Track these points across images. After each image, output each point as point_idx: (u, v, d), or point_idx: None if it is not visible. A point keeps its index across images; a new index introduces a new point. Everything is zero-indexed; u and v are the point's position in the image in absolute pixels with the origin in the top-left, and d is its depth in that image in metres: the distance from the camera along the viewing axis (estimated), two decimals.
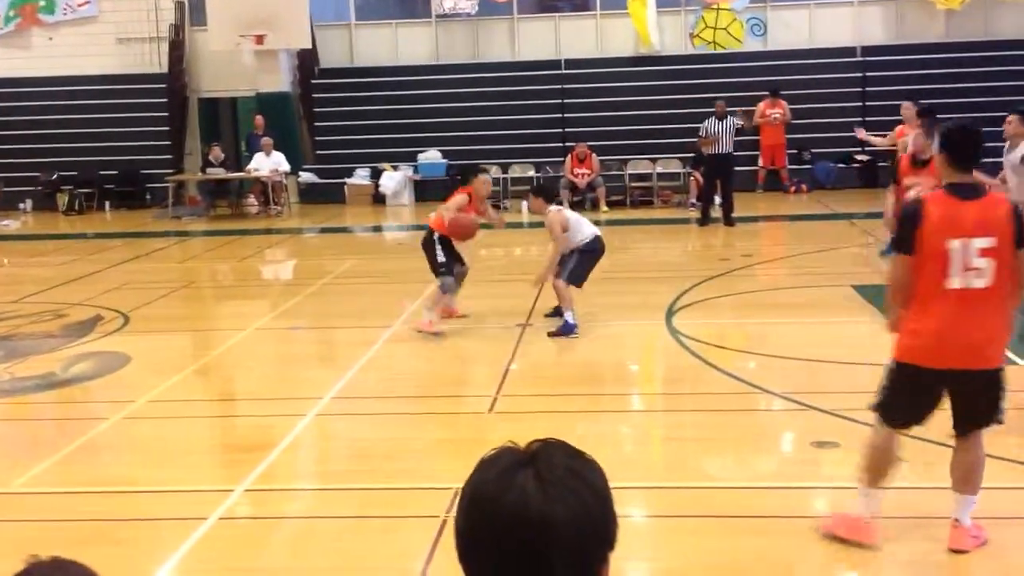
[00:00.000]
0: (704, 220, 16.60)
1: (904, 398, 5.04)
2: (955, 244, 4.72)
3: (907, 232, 4.86)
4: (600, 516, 1.71)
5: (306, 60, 22.45)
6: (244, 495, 6.21)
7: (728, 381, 8.09)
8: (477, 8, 21.81)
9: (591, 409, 7.66)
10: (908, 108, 14.01)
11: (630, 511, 5.79)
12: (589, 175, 19.33)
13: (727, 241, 15.49)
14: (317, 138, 22.49)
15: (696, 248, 15.69)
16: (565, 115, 21.38)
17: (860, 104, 20.94)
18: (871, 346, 9.03)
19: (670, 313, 10.34)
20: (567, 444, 1.76)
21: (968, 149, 4.91)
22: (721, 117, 16.45)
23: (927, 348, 4.88)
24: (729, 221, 16.35)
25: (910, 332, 4.93)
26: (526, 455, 1.72)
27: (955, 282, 4.76)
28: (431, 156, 21.43)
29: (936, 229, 4.75)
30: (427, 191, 20.90)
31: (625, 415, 7.80)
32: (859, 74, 21.13)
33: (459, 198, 9.95)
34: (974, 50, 20.77)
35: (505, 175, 20.74)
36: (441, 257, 9.95)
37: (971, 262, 4.73)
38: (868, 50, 21.29)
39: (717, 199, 16.70)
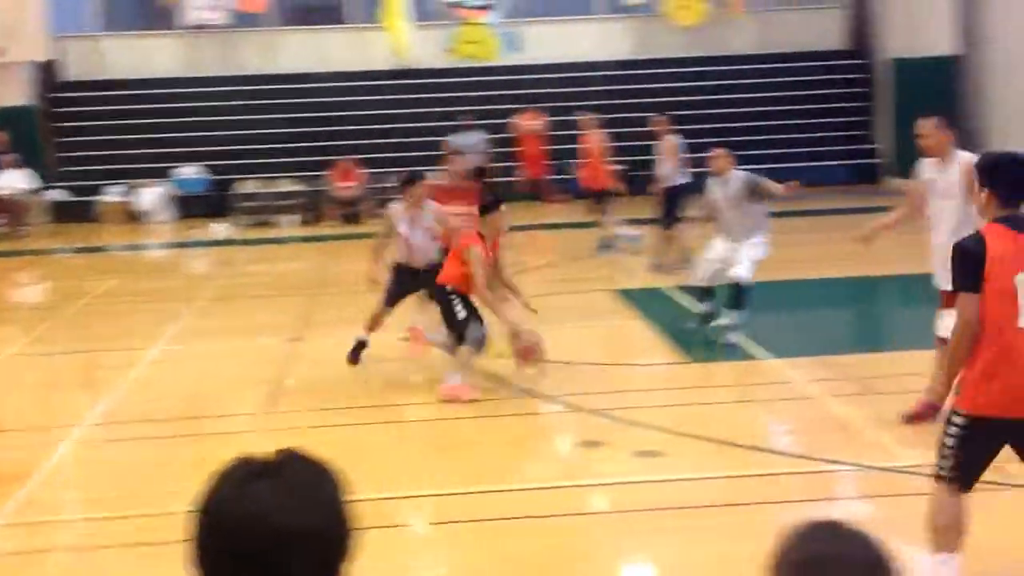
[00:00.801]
0: None
1: (979, 456, 4.48)
2: (1021, 278, 4.35)
3: (971, 268, 4.42)
4: (336, 527, 1.73)
5: (48, 72, 21.35)
6: (2, 529, 5.90)
7: (497, 386, 8.31)
8: (229, 19, 21.39)
9: (365, 421, 7.70)
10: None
11: (411, 520, 5.90)
12: (354, 188, 19.31)
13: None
14: (63, 154, 21.40)
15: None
16: (328, 128, 21.26)
17: (611, 116, 21.84)
18: (632, 347, 9.55)
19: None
20: (307, 456, 1.77)
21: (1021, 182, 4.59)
22: (468, 129, 16.82)
23: (1007, 397, 4.35)
24: None
25: (983, 380, 4.37)
26: (263, 466, 1.72)
27: None
28: (188, 171, 20.81)
29: (1000, 264, 4.36)
30: (189, 207, 20.30)
31: (399, 425, 7.88)
32: (608, 87, 22.05)
33: (477, 251, 7.99)
34: (711, 64, 22.13)
35: (269, 190, 20.42)
36: (462, 312, 8.18)
37: None
38: (615, 64, 22.25)
39: None
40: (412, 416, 8.22)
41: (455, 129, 17.49)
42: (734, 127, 21.39)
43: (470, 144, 16.74)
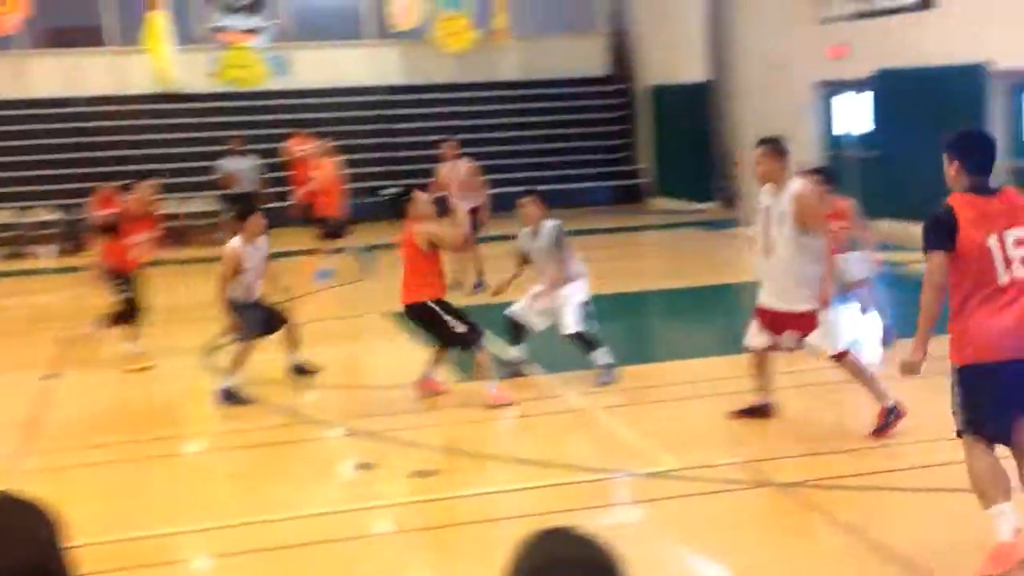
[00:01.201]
0: None
1: (986, 400, 4.80)
2: (992, 240, 4.72)
3: (944, 231, 4.76)
4: (50, 566, 1.73)
5: None
6: None
7: (273, 414, 8.20)
8: None
9: (136, 457, 7.42)
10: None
11: (195, 554, 5.75)
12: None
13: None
14: None
15: None
16: (86, 154, 20.35)
17: (384, 140, 21.96)
18: (407, 369, 9.59)
19: (213, 352, 10.26)
20: (18, 496, 1.78)
21: (986, 153, 5.01)
22: (239, 155, 16.54)
23: (995, 344, 4.72)
24: None
25: (972, 333, 4.75)
26: None
27: (1004, 278, 4.73)
28: None
29: (974, 227, 4.72)
30: None
31: (171, 459, 7.64)
32: (379, 112, 22.13)
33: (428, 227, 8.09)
34: (480, 90, 22.59)
35: (24, 219, 19.35)
36: (456, 326, 8.03)
37: (1011, 255, 4.74)
38: (385, 89, 22.36)
39: None
40: (185, 449, 8.01)
41: (224, 154, 17.11)
42: (502, 150, 21.90)
43: (240, 169, 16.44)
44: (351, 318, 11.97)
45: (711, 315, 12.13)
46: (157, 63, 20.60)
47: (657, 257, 17.61)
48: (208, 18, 21.50)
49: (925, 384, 5.82)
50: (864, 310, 9.09)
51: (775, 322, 7.05)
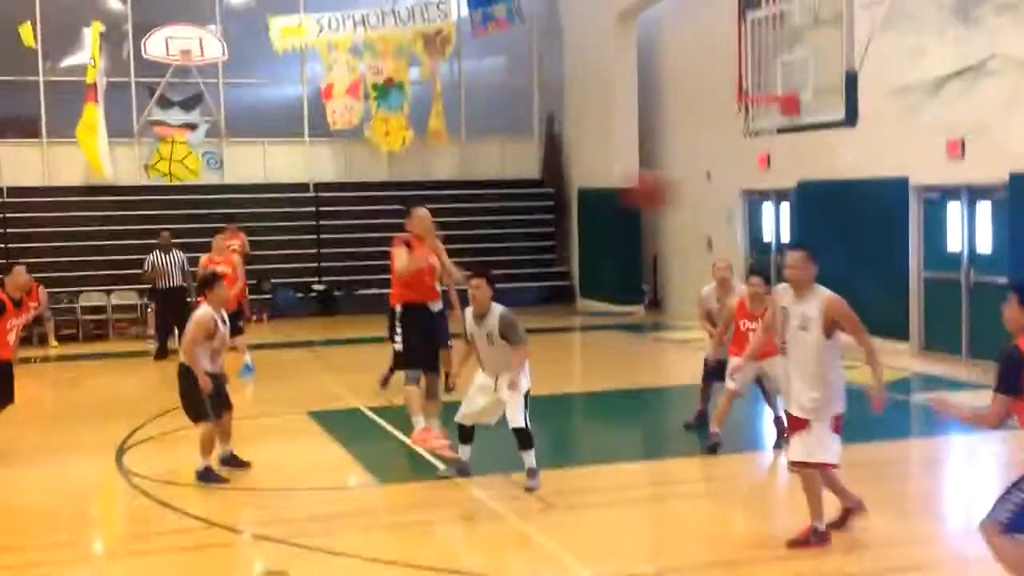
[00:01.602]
0: (162, 353, 16.30)
1: None
2: None
3: (1012, 374, 5.32)
4: None
5: None
6: None
7: (179, 519, 7.99)
8: None
9: (31, 563, 7.17)
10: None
11: None
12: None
13: None
14: None
15: (154, 381, 15.27)
16: (12, 245, 20.06)
17: (315, 236, 21.98)
18: (323, 471, 9.46)
19: (121, 451, 10.03)
20: None
21: None
22: (166, 249, 16.48)
23: None
24: None
25: None
26: None
27: None
28: None
29: None
30: None
31: (71, 566, 7.38)
32: (313, 208, 22.21)
33: (400, 251, 8.55)
34: (414, 189, 22.77)
35: None
36: (400, 342, 8.36)
37: None
38: (320, 186, 22.46)
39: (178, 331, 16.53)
40: (88, 555, 7.75)
41: (151, 248, 16.95)
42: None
43: (167, 263, 16.32)
44: (271, 416, 11.79)
45: (633, 418, 12.18)
46: (89, 155, 20.52)
47: (582, 359, 17.68)
48: (146, 112, 21.52)
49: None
50: None
51: (797, 427, 6.94)
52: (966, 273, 14.42)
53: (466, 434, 8.77)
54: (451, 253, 22.16)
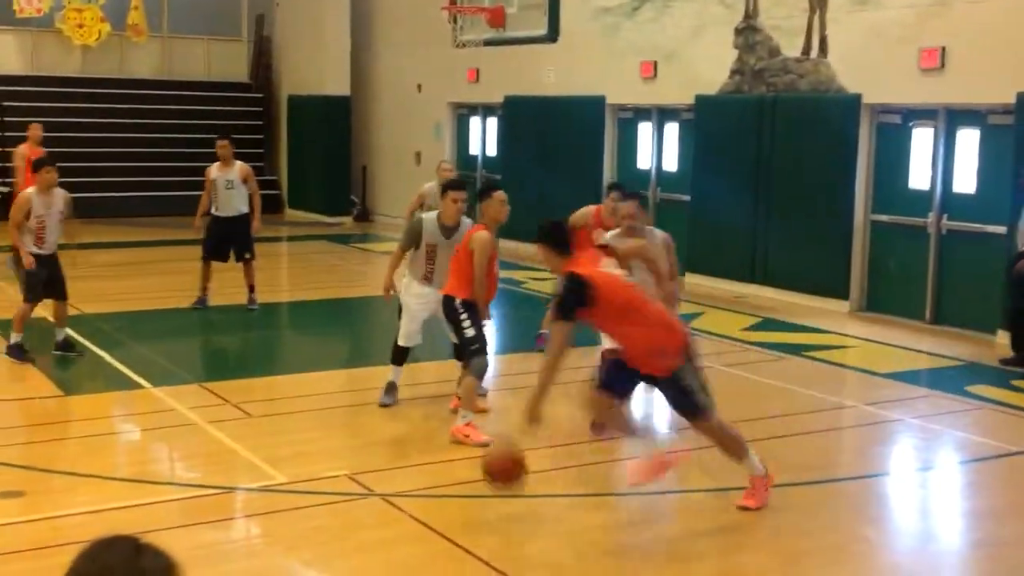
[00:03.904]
0: None
1: None
2: None
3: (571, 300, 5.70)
4: None
5: None
6: None
7: None
8: None
9: None
10: None
11: None
12: None
13: None
14: None
15: None
16: None
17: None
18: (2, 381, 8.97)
19: None
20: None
21: None
22: None
23: None
24: None
25: None
26: None
27: None
28: None
29: None
30: None
31: None
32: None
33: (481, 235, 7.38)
34: (110, 87, 21.54)
35: None
36: (470, 329, 7.35)
37: None
38: (3, 79, 20.78)
39: None
40: None
41: None
42: (134, 152, 21.05)
43: None
44: None
45: (336, 328, 12.25)
46: None
47: (289, 269, 17.52)
48: None
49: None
50: None
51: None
52: (653, 191, 15.32)
53: (403, 357, 8.26)
54: (154, 157, 21.41)
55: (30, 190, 9.34)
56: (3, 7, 20.60)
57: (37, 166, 9.48)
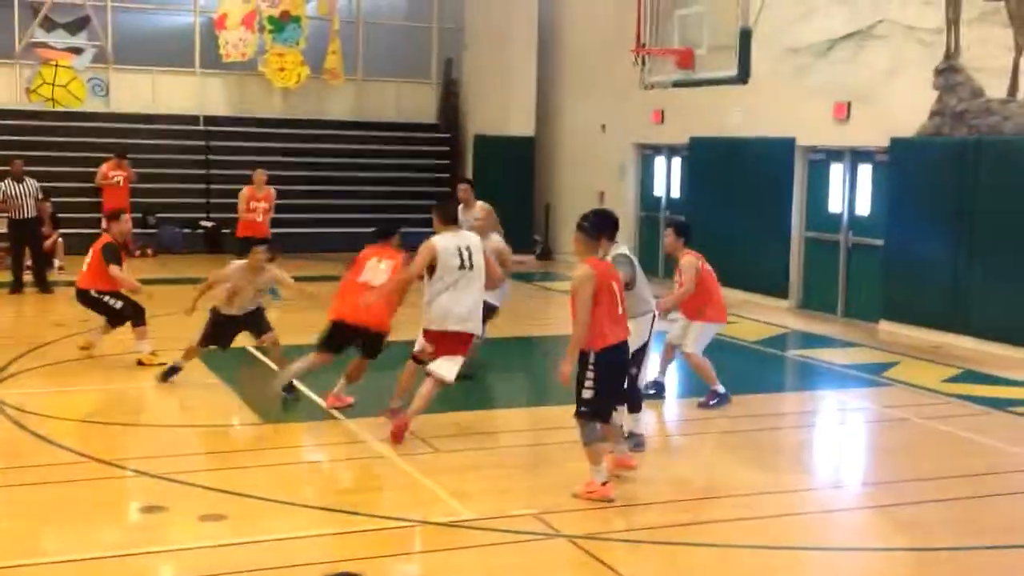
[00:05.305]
0: (17, 286, 15.65)
1: None
2: None
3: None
4: None
5: None
6: None
7: (57, 451, 7.85)
8: None
9: None
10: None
11: None
12: None
13: (46, 307, 14.80)
14: None
15: (10, 316, 14.71)
16: None
17: (204, 171, 21.51)
18: (205, 409, 9.37)
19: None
20: None
21: None
22: (19, 179, 15.76)
23: None
24: (44, 287, 15.68)
25: None
26: None
27: None
28: None
29: None
30: None
31: None
32: (202, 142, 21.70)
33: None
34: (308, 127, 22.45)
35: None
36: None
37: None
38: (210, 120, 21.94)
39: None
40: None
41: (3, 176, 16.12)
42: (328, 190, 21.84)
43: (18, 194, 15.63)
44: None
45: (518, 366, 12.34)
46: None
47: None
48: (28, 33, 20.69)
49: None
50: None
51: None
52: (845, 235, 14.87)
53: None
54: (345, 195, 22.14)
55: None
56: (211, 52, 21.81)
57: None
